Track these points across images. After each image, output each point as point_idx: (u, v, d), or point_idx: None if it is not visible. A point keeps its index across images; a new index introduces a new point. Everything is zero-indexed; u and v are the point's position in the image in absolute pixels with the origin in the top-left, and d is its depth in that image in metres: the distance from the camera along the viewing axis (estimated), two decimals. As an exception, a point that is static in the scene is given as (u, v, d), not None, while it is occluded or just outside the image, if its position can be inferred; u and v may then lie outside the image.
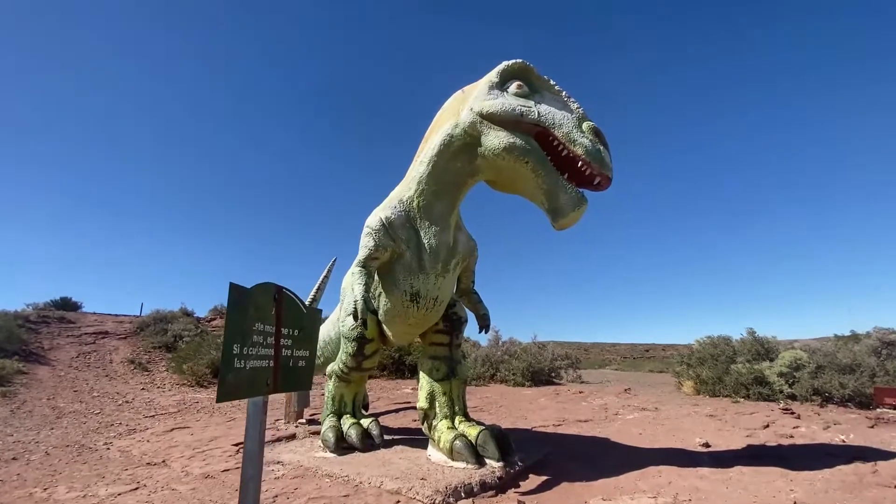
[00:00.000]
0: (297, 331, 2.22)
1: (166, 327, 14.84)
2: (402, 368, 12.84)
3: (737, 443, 4.78)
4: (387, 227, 3.68)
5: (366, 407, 6.01)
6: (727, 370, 8.23)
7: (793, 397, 7.58)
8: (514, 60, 3.54)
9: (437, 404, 4.11)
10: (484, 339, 15.06)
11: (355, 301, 3.46)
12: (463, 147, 3.50)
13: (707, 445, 4.62)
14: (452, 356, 4.28)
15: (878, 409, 6.76)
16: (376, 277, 3.96)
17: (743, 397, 7.74)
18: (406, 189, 3.78)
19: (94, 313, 17.01)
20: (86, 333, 13.69)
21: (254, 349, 1.86)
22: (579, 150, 3.26)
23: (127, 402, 7.76)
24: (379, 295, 4.01)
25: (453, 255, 3.84)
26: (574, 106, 3.52)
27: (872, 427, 5.96)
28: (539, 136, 3.39)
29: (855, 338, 9.23)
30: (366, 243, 3.71)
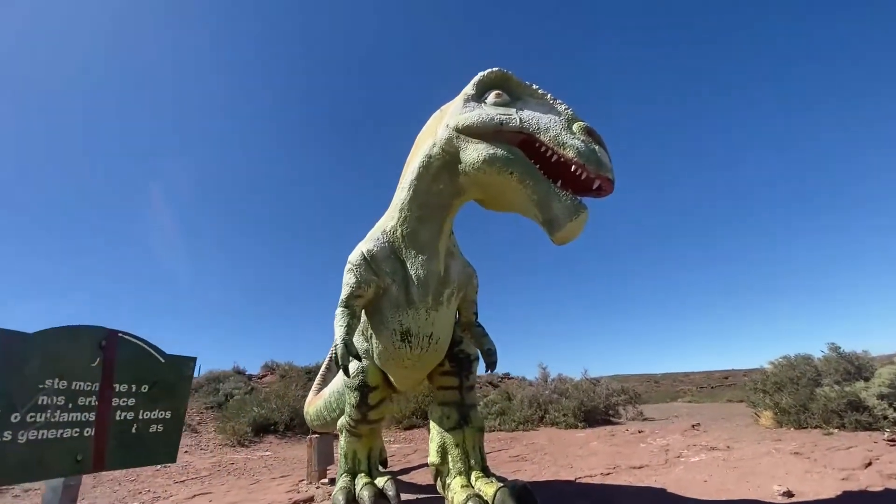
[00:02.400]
0: (146, 387, 1.85)
1: (218, 387, 15.19)
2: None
3: (829, 489, 3.86)
4: (369, 261, 3.40)
5: (384, 463, 5.54)
6: (812, 395, 7.00)
7: (900, 423, 6.28)
8: (490, 70, 3.29)
9: (449, 458, 3.64)
10: (532, 377, 14.08)
11: (335, 346, 3.15)
12: (443, 166, 3.23)
13: (789, 494, 3.75)
14: (464, 401, 3.82)
15: None
16: (364, 318, 3.66)
17: (836, 427, 6.49)
18: (389, 218, 3.52)
19: (156, 378, 17.89)
20: (145, 398, 14.26)
21: (41, 414, 1.50)
22: (570, 153, 2.90)
23: (165, 466, 7.74)
24: (370, 337, 3.68)
25: (445, 284, 3.47)
26: (562, 108, 3.19)
27: None
28: (524, 144, 3.07)
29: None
30: (347, 280, 3.45)
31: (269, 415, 10.86)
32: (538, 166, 3.01)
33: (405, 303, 3.34)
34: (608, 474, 5.24)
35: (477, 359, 3.98)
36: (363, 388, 3.96)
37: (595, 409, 10.71)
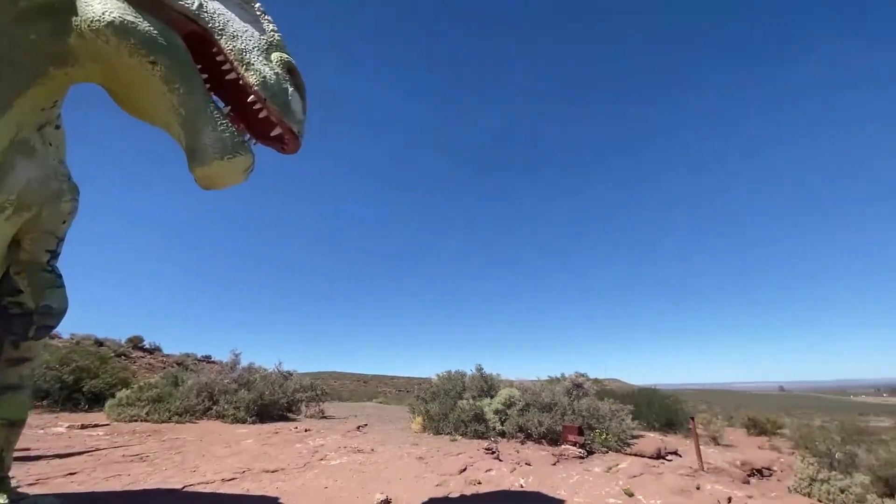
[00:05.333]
0: None
1: None
2: (77, 397, 9.33)
3: (424, 493, 4.22)
4: None
5: None
6: (454, 406, 8.26)
7: (503, 434, 7.94)
8: None
9: None
10: (226, 358, 12.33)
11: None
12: (45, 7, 2.06)
13: (387, 502, 3.88)
14: (4, 377, 2.53)
15: (563, 446, 7.51)
16: None
17: (461, 434, 7.75)
18: None
19: None
20: None
21: None
22: (253, 78, 2.25)
23: None
24: None
25: None
26: (269, 27, 2.52)
27: (555, 464, 6.40)
28: (194, 38, 2.24)
29: (558, 380, 10.74)
30: None
31: None
32: (205, 76, 2.22)
33: None
34: (232, 479, 4.57)
35: (43, 317, 2.70)
36: None
37: (274, 403, 10.05)
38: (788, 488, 6.58)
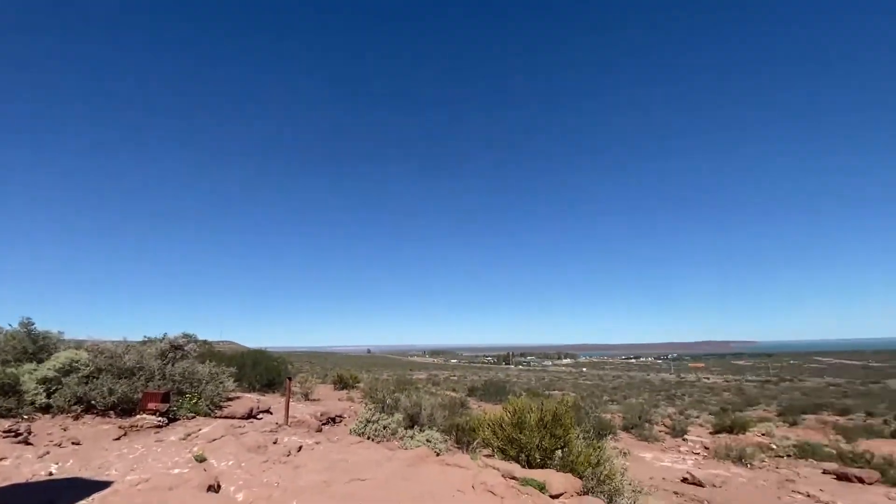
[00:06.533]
0: None
1: None
2: None
3: None
4: None
5: None
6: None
7: (48, 409, 5.99)
8: None
9: None
10: None
11: None
12: None
13: None
14: None
15: (139, 416, 6.40)
16: None
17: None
18: None
19: None
20: None
21: None
22: None
23: None
24: None
25: None
26: None
27: (119, 439, 5.34)
28: None
29: (155, 341, 9.06)
30: None
31: None
32: None
33: None
34: None
35: None
36: None
37: None
38: (350, 431, 8.04)
